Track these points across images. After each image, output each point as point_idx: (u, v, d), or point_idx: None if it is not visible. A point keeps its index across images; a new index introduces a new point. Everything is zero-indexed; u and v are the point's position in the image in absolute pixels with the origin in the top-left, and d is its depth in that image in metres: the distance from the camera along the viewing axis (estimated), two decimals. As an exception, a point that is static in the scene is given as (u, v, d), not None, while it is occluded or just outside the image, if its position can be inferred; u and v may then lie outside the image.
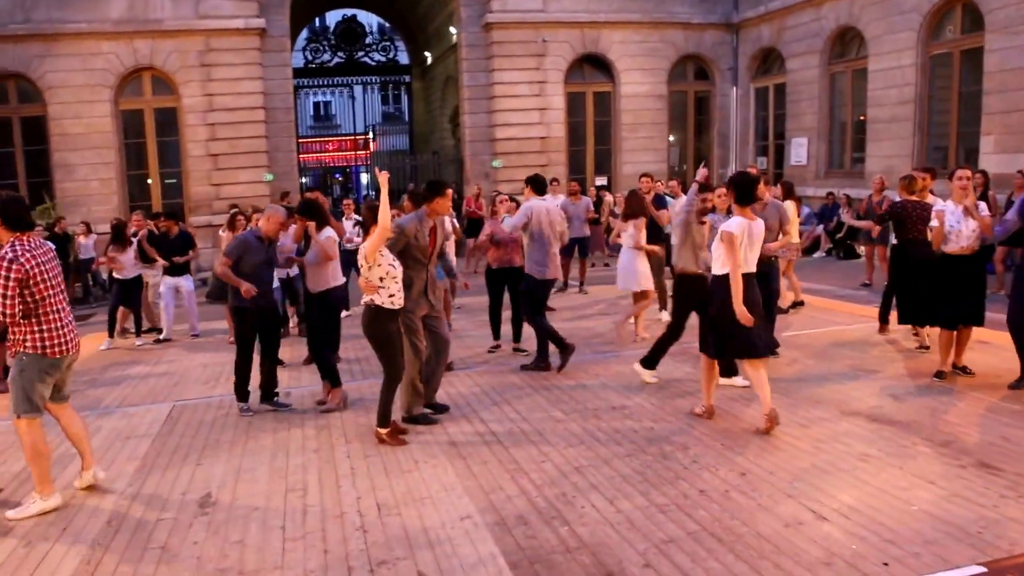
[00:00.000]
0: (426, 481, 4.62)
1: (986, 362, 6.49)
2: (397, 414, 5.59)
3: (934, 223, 6.15)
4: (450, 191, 5.82)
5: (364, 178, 28.88)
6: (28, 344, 4.34)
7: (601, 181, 17.36)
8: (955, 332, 6.17)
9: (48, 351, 4.37)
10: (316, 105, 35.20)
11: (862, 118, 15.10)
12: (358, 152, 29.56)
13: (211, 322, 10.22)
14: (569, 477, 4.57)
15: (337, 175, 31.48)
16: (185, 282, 9.80)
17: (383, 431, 5.30)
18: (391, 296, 5.22)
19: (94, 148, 15.29)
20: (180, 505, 4.46)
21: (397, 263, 5.29)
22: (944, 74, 13.48)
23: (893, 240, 7.42)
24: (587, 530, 3.89)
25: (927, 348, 7.09)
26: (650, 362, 6.43)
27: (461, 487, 4.50)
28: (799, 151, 16.69)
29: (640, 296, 8.00)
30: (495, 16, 16.86)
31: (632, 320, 8.18)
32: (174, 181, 16.26)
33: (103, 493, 4.69)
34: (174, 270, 9.67)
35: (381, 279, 5.16)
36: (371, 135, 30.25)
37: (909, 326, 7.36)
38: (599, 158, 18.38)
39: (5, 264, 4.15)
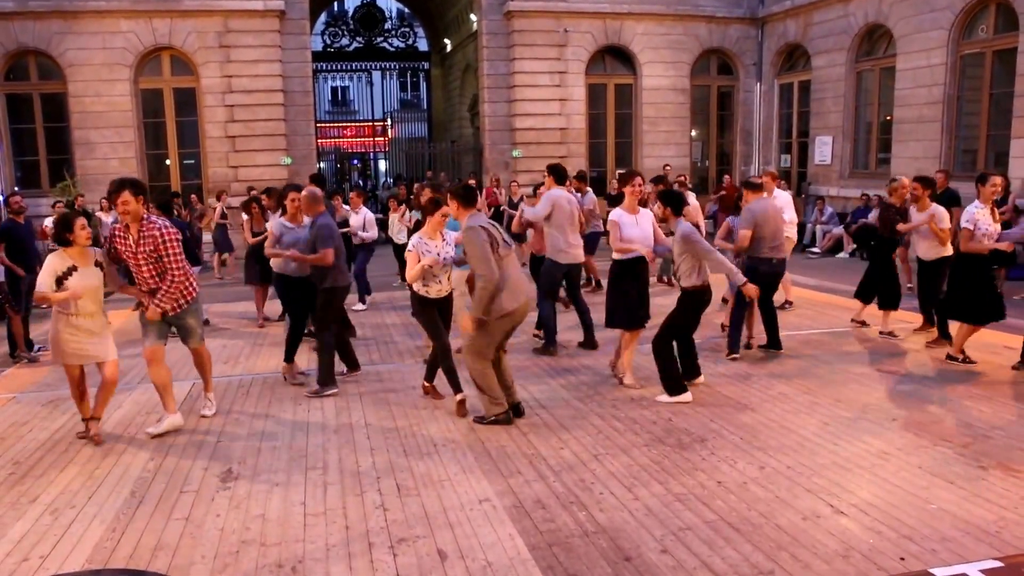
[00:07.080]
0: (445, 464, 4.66)
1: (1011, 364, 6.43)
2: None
3: (967, 226, 6.28)
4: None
5: (382, 165, 28.80)
6: (195, 289, 5.48)
7: None
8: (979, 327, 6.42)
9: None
10: (334, 90, 35.06)
11: (888, 118, 14.89)
12: (376, 138, 29.43)
13: (227, 304, 10.27)
14: (587, 464, 4.59)
15: (355, 161, 31.39)
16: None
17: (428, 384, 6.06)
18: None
19: (114, 127, 15.36)
20: (202, 479, 4.52)
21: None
22: (975, 75, 13.22)
23: None
24: (605, 516, 3.91)
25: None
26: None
27: (480, 470, 4.53)
28: (823, 150, 16.52)
29: None
30: (516, 4, 16.77)
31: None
32: (192, 162, 16.32)
33: (127, 465, 4.77)
34: None
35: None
36: (389, 122, 30.18)
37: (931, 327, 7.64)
38: (620, 151, 18.28)
39: (174, 233, 5.19)
